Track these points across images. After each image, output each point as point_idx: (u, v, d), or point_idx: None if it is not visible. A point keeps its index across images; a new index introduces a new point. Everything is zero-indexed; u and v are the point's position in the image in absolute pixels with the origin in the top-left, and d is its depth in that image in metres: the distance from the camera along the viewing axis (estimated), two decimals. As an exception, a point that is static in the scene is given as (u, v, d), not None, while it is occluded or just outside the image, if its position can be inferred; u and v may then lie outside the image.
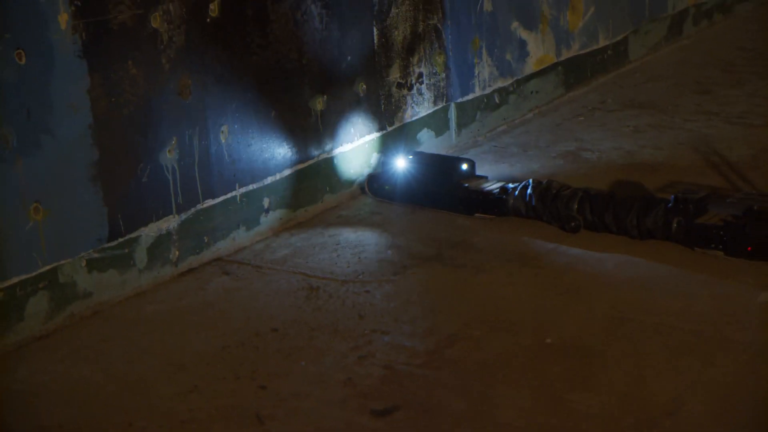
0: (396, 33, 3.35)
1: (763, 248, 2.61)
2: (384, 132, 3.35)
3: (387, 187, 3.18)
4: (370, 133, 3.31)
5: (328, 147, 3.17)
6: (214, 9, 2.76)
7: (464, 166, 3.12)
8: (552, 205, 2.90)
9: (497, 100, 3.82)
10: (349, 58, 3.18)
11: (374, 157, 3.33)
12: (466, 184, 3.07)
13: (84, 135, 2.48)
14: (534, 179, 2.98)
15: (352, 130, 3.24)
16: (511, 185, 3.01)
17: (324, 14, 3.09)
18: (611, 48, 4.38)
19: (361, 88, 3.25)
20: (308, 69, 3.07)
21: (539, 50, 3.98)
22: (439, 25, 3.51)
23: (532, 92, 3.98)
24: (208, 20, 2.75)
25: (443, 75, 3.57)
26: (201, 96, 2.76)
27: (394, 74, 3.37)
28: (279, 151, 3.01)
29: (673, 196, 2.76)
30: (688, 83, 4.18)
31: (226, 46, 2.81)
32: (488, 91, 3.77)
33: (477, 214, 3.03)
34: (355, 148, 3.27)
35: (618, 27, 4.40)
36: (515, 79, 3.89)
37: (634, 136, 3.62)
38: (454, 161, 3.17)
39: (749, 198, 2.76)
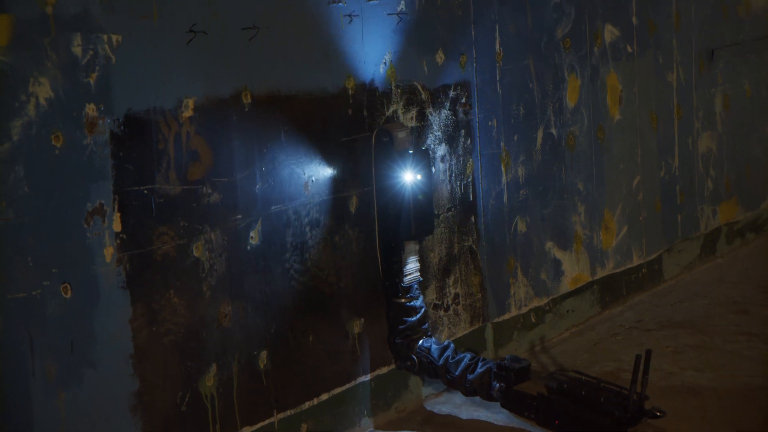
0: (432, 255, 3.40)
1: (566, 423, 2.89)
2: (421, 355, 3.35)
3: None
4: (407, 355, 3.31)
5: (365, 370, 3.16)
6: (254, 237, 2.82)
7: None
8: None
9: (533, 320, 3.82)
10: (386, 282, 3.21)
11: (412, 379, 3.31)
12: None
13: (125, 365, 2.49)
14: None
15: (389, 352, 3.24)
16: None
17: (361, 238, 3.14)
18: (646, 266, 4.41)
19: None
20: (346, 292, 3.10)
21: (574, 269, 4.01)
22: (474, 247, 3.55)
23: (568, 311, 3.99)
24: (249, 248, 2.80)
25: (479, 295, 3.58)
26: (240, 322, 2.78)
27: (431, 295, 3.39)
28: (316, 375, 3.00)
29: (498, 362, 3.05)
30: (725, 302, 4.17)
31: (266, 272, 2.85)
32: (524, 310, 3.78)
33: None
34: (393, 370, 3.25)
35: (651, 246, 4.44)
36: (551, 298, 3.90)
37: (674, 357, 3.59)
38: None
39: (565, 375, 3.03)
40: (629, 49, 4.25)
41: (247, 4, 2.75)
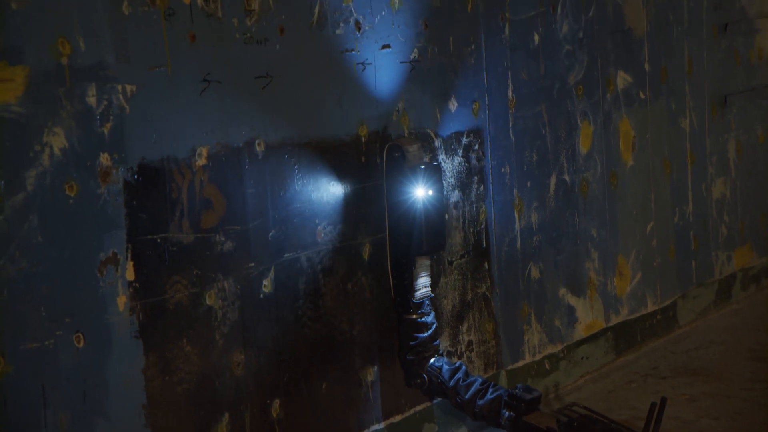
0: (445, 302, 3.38)
1: None
2: (436, 402, 3.32)
3: None
4: (420, 402, 3.28)
5: (378, 418, 3.14)
6: (267, 285, 2.81)
7: None
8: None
9: (547, 367, 3.80)
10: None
11: (425, 427, 3.29)
12: None
13: (137, 415, 2.48)
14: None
15: (402, 400, 3.22)
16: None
17: (374, 285, 3.13)
18: (660, 313, 4.38)
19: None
20: (359, 340, 3.09)
21: (588, 316, 3.99)
22: (487, 293, 3.54)
23: (582, 358, 3.96)
24: (261, 296, 2.80)
25: (493, 342, 3.57)
26: (253, 371, 2.76)
27: (444, 342, 3.37)
28: (330, 424, 2.98)
29: (509, 390, 3.03)
30: (741, 350, 4.14)
31: (279, 320, 2.84)
32: (538, 357, 3.76)
33: None
34: (406, 418, 3.23)
35: (666, 292, 4.42)
36: (565, 344, 3.88)
37: (690, 405, 3.56)
38: None
39: (575, 412, 3.00)
40: (642, 96, 4.26)
41: (261, 53, 2.77)
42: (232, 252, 2.72)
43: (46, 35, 2.29)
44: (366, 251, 3.11)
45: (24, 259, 2.26)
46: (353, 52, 3.03)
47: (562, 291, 3.88)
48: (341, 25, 2.99)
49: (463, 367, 3.14)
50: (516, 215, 3.66)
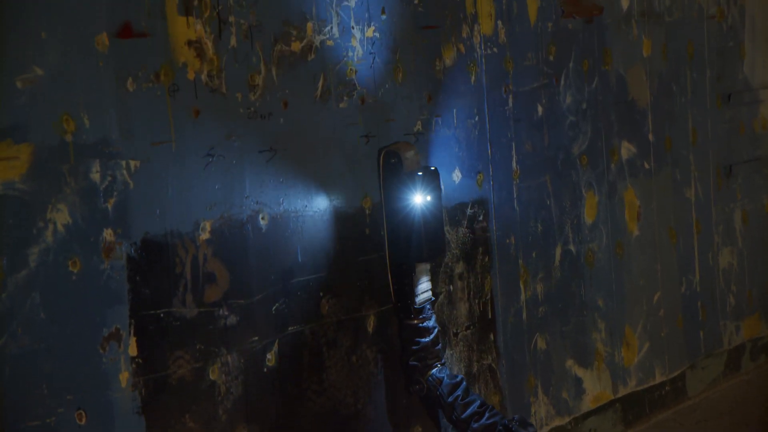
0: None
1: None
2: (441, 477, 3.30)
3: None
4: (426, 478, 3.26)
5: (385, 485, 3.12)
6: (271, 358, 2.80)
7: None
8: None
9: (555, 440, 3.77)
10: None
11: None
12: None
13: (139, 493, 2.46)
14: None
15: (408, 474, 3.20)
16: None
17: (379, 358, 3.12)
18: (669, 384, 4.34)
19: (417, 430, 3.23)
20: (364, 413, 3.07)
21: (595, 387, 3.96)
22: (493, 365, 3.52)
23: (590, 430, 3.92)
24: (265, 370, 2.78)
25: (499, 416, 3.54)
26: (257, 447, 2.75)
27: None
28: (334, 498, 2.96)
29: (506, 420, 3.06)
30: (751, 422, 4.10)
31: (282, 394, 2.83)
32: (545, 430, 3.73)
33: None
34: (412, 493, 3.21)
35: (674, 362, 4.38)
36: (572, 417, 3.85)
37: (699, 479, 3.53)
38: None
39: None
40: (646, 166, 4.26)
41: (264, 127, 2.78)
42: (236, 326, 2.71)
43: (50, 113, 2.31)
44: (371, 324, 3.10)
45: (26, 337, 2.25)
46: (357, 125, 3.05)
47: (569, 362, 3.85)
48: (345, 98, 3.01)
49: (464, 383, 3.13)
50: (521, 286, 3.65)
